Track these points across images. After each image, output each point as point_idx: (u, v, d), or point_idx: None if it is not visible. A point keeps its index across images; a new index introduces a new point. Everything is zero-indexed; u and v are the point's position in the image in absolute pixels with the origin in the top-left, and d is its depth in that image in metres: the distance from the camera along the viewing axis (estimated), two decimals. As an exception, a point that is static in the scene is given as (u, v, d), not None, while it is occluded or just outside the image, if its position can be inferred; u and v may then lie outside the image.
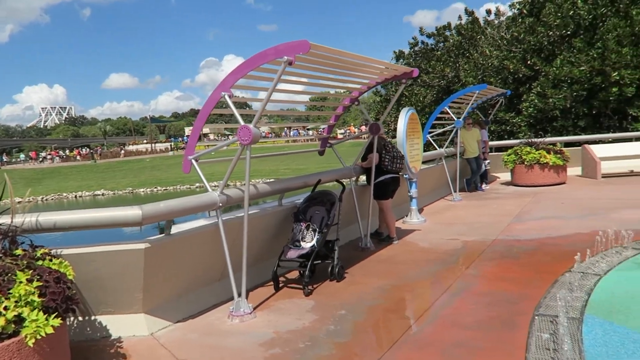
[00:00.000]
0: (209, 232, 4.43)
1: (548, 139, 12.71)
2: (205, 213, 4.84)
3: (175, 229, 4.28)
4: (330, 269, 5.04)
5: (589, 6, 14.86)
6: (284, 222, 5.40)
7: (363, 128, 56.34)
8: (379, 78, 6.21)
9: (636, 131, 13.76)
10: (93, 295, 3.88)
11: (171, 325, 4.07)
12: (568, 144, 13.28)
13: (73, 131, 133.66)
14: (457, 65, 20.16)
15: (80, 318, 3.92)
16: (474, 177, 11.15)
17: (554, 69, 14.73)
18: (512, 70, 16.38)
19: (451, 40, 21.81)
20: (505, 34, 18.87)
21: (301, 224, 5.12)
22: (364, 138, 7.06)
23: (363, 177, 7.03)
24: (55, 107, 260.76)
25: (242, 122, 4.34)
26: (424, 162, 8.60)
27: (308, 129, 64.51)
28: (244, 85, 4.97)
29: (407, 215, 8.01)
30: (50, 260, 3.27)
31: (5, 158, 72.50)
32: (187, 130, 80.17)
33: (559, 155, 11.24)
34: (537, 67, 15.60)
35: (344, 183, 5.80)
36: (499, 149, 14.19)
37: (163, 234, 4.14)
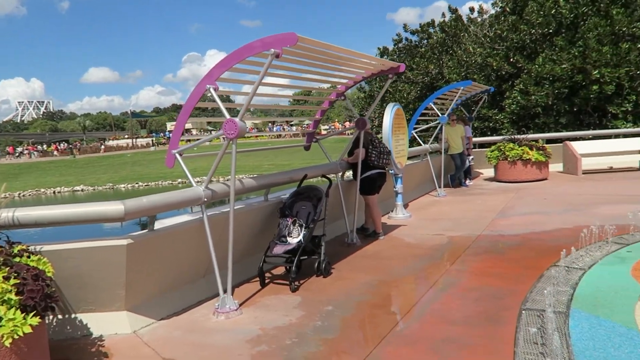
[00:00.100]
0: (193, 228, 4.34)
1: (531, 136, 12.85)
2: (188, 209, 4.76)
3: (158, 225, 4.18)
4: (316, 264, 4.99)
5: (571, 5, 15.04)
6: (269, 218, 5.33)
7: (347, 124, 56.42)
8: (365, 73, 6.17)
9: (615, 128, 14.01)
10: (73, 293, 3.77)
11: (155, 322, 3.98)
12: (550, 141, 13.46)
13: (51, 126, 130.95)
14: (441, 62, 20.25)
15: (60, 316, 3.80)
16: (458, 173, 11.21)
17: (536, 66, 14.88)
18: (495, 68, 16.51)
19: (435, 38, 21.89)
20: (488, 31, 19.01)
21: (287, 219, 5.06)
22: (348, 134, 7.01)
23: (348, 173, 6.99)
24: (32, 102, 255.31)
25: (227, 116, 4.26)
26: (408, 158, 8.60)
27: (292, 125, 64.21)
28: (229, 78, 4.88)
29: (392, 211, 8.01)
30: (28, 257, 3.16)
31: (-20, 153, 70.73)
32: (169, 126, 79.27)
33: (541, 152, 11.37)
34: (520, 65, 15.75)
35: (331, 178, 5.75)
36: (482, 145, 14.31)
37: (145, 230, 4.04)
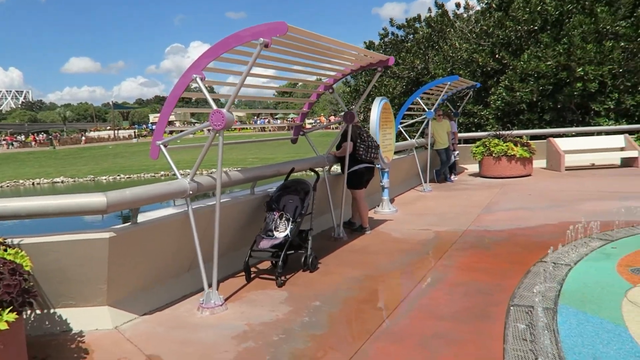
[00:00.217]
0: (178, 221, 4.23)
1: (515, 132, 12.95)
2: (171, 202, 4.65)
3: (142, 218, 4.06)
4: (303, 259, 4.93)
5: (556, 2, 15.15)
6: (256, 211, 5.24)
7: (332, 118, 56.23)
8: (354, 65, 6.09)
9: (598, 126, 14.19)
10: (53, 287, 3.64)
11: (137, 318, 3.87)
12: (533, 137, 13.57)
13: (30, 116, 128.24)
14: (427, 57, 20.28)
15: (38, 311, 3.68)
16: (443, 168, 11.24)
17: (522, 63, 14.99)
18: (480, 64, 16.58)
19: (421, 33, 21.90)
20: (474, 27, 19.08)
21: (274, 213, 4.98)
22: (333, 128, 6.94)
23: (335, 166, 6.93)
24: (10, 91, 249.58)
25: (214, 107, 4.15)
26: (394, 153, 8.57)
27: (276, 118, 63.81)
28: (214, 68, 4.76)
29: (378, 205, 7.98)
30: (5, 250, 3.03)
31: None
32: (152, 117, 78.18)
33: (525, 148, 11.45)
34: (505, 61, 15.84)
35: (319, 172, 5.68)
36: (467, 140, 14.38)
37: (128, 223, 3.93)
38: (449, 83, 10.64)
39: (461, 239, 6.06)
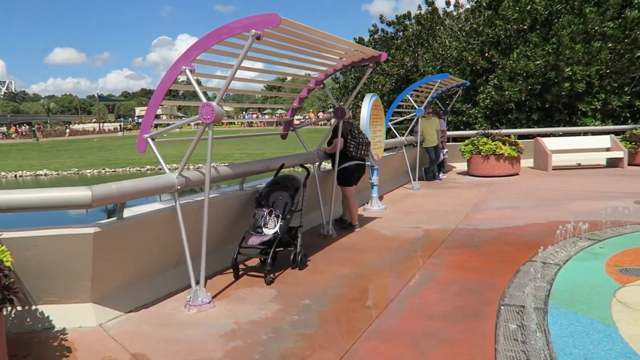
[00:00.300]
0: (165, 217, 4.13)
1: (504, 131, 13.00)
2: (157, 197, 4.54)
3: (127, 213, 3.96)
4: (292, 256, 4.86)
5: (546, 2, 15.23)
6: (245, 208, 5.16)
7: (320, 114, 56.09)
8: (346, 61, 6.02)
9: (585, 126, 14.32)
10: (34, 283, 3.53)
11: (122, 315, 3.78)
12: (521, 136, 13.65)
13: (13, 107, 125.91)
14: (416, 54, 20.29)
15: (19, 308, 3.56)
16: (432, 166, 11.24)
17: (511, 62, 15.04)
18: (470, 62, 16.61)
19: (411, 30, 21.89)
20: (464, 25, 19.11)
21: (263, 209, 4.90)
22: (322, 125, 6.87)
23: (325, 163, 6.86)
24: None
25: (204, 100, 4.06)
26: (384, 150, 8.53)
27: (264, 113, 63.43)
28: (203, 60, 4.64)
29: (367, 203, 7.94)
30: (-16, 244, 2.91)
31: None
32: (138, 111, 77.33)
33: (513, 147, 11.50)
34: (495, 60, 15.89)
35: (309, 168, 5.61)
36: (456, 139, 14.42)
37: (114, 218, 3.82)
38: (439, 81, 10.63)
39: (450, 237, 6.04)
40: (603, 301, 3.83)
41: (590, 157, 12.63)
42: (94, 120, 73.59)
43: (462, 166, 12.73)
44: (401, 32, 22.94)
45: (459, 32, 18.88)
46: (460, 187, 10.10)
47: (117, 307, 3.79)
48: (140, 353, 3.21)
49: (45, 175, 31.43)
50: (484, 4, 17.81)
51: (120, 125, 63.95)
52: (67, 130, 61.31)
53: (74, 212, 10.52)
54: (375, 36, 23.71)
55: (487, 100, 15.65)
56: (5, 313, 3.46)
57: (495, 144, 11.40)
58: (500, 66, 15.62)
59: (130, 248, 3.87)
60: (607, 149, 12.57)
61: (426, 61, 18.89)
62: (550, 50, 14.46)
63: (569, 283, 4.27)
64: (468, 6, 20.40)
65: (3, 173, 31.82)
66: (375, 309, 3.87)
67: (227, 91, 4.83)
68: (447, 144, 12.83)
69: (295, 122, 6.79)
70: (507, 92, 15.04)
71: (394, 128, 11.27)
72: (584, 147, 12.68)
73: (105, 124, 65.79)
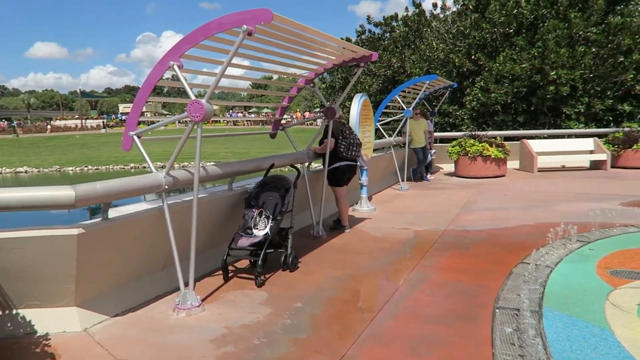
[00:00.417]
0: (152, 217, 4.00)
1: (490, 133, 13.06)
2: (141, 197, 4.40)
3: (113, 213, 3.82)
4: (283, 258, 4.76)
5: (532, 6, 15.37)
6: (234, 208, 5.04)
7: (307, 114, 55.94)
8: (336, 60, 5.95)
9: (569, 129, 14.48)
10: (15, 287, 3.39)
11: (108, 319, 3.64)
12: (507, 138, 13.74)
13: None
14: (403, 56, 20.32)
15: (-1, 312, 3.41)
16: (420, 167, 11.23)
17: (497, 65, 15.14)
18: (457, 64, 16.69)
19: (398, 31, 21.93)
20: (450, 28, 19.21)
21: (253, 210, 4.79)
22: (308, 124, 6.77)
23: (316, 164, 6.78)
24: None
25: (192, 96, 3.94)
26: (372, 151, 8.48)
27: (250, 112, 63.01)
28: (192, 55, 4.51)
29: (357, 203, 7.88)
30: (-38, 246, 2.76)
31: None
32: (122, 108, 76.21)
33: (500, 149, 11.56)
34: (481, 62, 15.98)
35: (299, 168, 5.52)
36: (443, 140, 14.45)
37: (99, 218, 3.68)
38: (427, 82, 10.63)
39: (441, 238, 6.01)
40: (597, 304, 3.82)
41: (574, 159, 12.78)
42: (76, 116, 72.38)
43: (449, 167, 12.76)
44: (388, 34, 22.97)
45: (445, 35, 18.96)
46: (448, 188, 10.11)
47: (103, 310, 3.65)
48: (127, 359, 3.08)
49: (26, 172, 30.76)
50: (470, 7, 17.91)
51: (103, 122, 63.02)
52: (49, 126, 60.21)
53: (56, 211, 10.26)
54: (363, 37, 23.70)
55: (474, 102, 15.73)
56: (-17, 317, 3.31)
57: (482, 146, 11.44)
58: (486, 69, 15.71)
59: (116, 249, 3.74)
60: (591, 152, 12.72)
61: (413, 62, 18.93)
62: (535, 54, 14.59)
63: (561, 285, 4.25)
64: (454, 9, 20.52)
65: (-19, 170, 31.05)
66: (368, 312, 3.80)
67: (219, 88, 4.73)
68: (435, 145, 12.85)
69: (283, 121, 6.68)
70: (493, 95, 15.13)
71: (382, 128, 11.23)
72: (568, 149, 12.82)
73: (87, 121, 64.77)
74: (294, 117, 51.58)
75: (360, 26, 23.53)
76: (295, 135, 6.65)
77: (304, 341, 3.30)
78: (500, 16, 15.67)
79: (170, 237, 3.91)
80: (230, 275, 4.64)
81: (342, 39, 23.39)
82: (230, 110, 63.72)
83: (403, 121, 10.65)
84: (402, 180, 10.17)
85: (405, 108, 10.38)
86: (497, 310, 3.73)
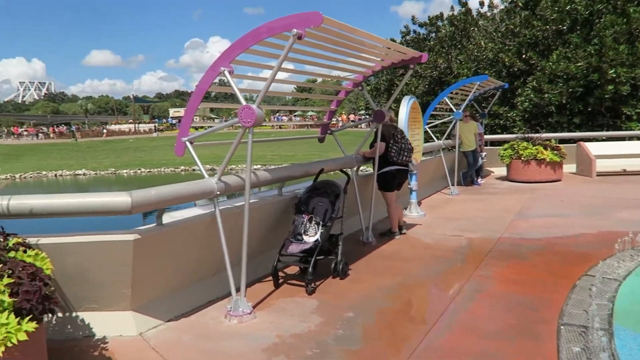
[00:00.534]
0: (204, 222, 4.02)
1: (544, 135, 12.52)
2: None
3: (166, 218, 3.86)
4: (333, 265, 4.68)
5: (586, 1, 14.65)
6: (283, 213, 5.01)
7: (352, 117, 55.73)
8: (384, 62, 5.83)
9: (630, 130, 13.68)
10: (74, 290, 3.47)
11: (162, 324, 3.68)
12: (562, 141, 13.13)
13: (53, 108, 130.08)
14: (450, 56, 19.86)
15: (59, 314, 3.50)
16: (470, 171, 10.90)
17: (550, 64, 14.51)
18: (507, 64, 16.13)
19: (443, 31, 21.46)
20: (499, 26, 18.60)
21: (303, 215, 4.74)
22: (354, 127, 6.61)
23: (365, 167, 6.66)
24: (34, 82, 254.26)
25: (243, 102, 3.93)
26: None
27: (296, 115, 63.42)
28: (241, 61, 4.51)
29: (406, 209, 7.70)
30: (25, 251, 2.85)
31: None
32: (172, 112, 78.70)
33: (555, 152, 11.05)
34: (533, 62, 15.37)
35: (349, 173, 5.42)
36: (493, 143, 13.99)
37: (153, 224, 3.73)
38: (477, 83, 10.30)
39: (496, 247, 5.76)
40: (674, 323, 3.52)
41: (636, 162, 12.02)
42: (130, 121, 75.28)
43: (500, 171, 12.32)
44: (434, 34, 22.51)
45: (494, 33, 18.38)
46: (500, 193, 9.74)
47: (157, 315, 3.69)
48: (180, 365, 3.09)
49: (84, 174, 32.25)
50: (520, 4, 17.27)
51: (155, 126, 65.21)
52: (105, 130, 62.93)
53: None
54: (407, 38, 23.33)
55: (526, 103, 15.13)
56: (46, 319, 3.41)
57: (536, 149, 10.97)
58: (538, 68, 15.09)
59: (170, 254, 3.78)
60: (656, 155, 11.94)
61: (460, 63, 18.45)
62: (592, 52, 13.87)
63: (632, 301, 3.96)
64: (502, 7, 19.87)
65: (44, 172, 32.80)
66: (423, 325, 3.66)
67: (258, 92, 4.70)
68: (485, 147, 12.44)
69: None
70: (546, 95, 14.50)
71: (430, 131, 10.97)
72: (629, 152, 12.09)
73: (140, 125, 67.19)
74: (340, 120, 51.49)
75: (404, 27, 23.18)
76: (341, 139, 6.56)
77: (357, 353, 3.20)
78: (553, 13, 15.02)
79: (222, 242, 3.91)
80: (280, 281, 4.60)
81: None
82: (277, 114, 64.24)
83: (452, 124, 10.36)
84: (452, 185, 9.88)
85: (454, 110, 10.10)
86: (562, 327, 3.50)
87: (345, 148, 6.47)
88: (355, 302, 4.08)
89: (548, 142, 11.50)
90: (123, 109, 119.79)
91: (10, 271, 2.52)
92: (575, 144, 12.52)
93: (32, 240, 3.19)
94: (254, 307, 3.94)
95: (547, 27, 15.27)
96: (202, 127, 5.23)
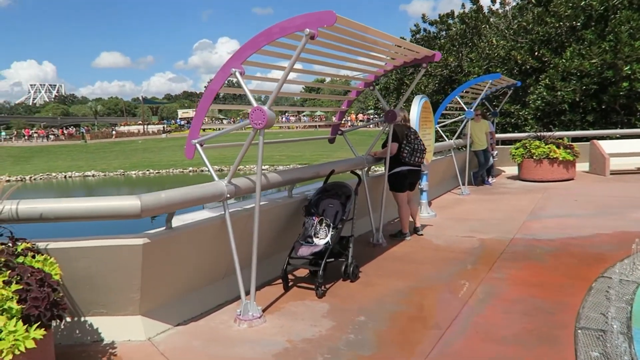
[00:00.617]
0: (214, 226, 3.98)
1: (557, 133, 12.35)
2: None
3: (176, 222, 3.82)
4: (343, 267, 4.62)
5: (601, -3, 14.42)
6: (293, 216, 4.96)
7: (360, 116, 55.57)
8: (397, 61, 5.75)
9: (644, 128, 13.45)
10: (83, 295, 3.44)
11: (171, 329, 3.64)
12: (575, 139, 12.95)
13: (63, 109, 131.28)
14: (460, 54, 19.68)
15: (68, 319, 3.47)
16: (481, 170, 10.77)
17: (564, 61, 14.30)
18: (519, 61, 15.93)
19: (454, 29, 21.27)
20: (511, 23, 18.39)
21: (313, 218, 4.68)
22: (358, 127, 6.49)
23: (377, 167, 6.59)
24: (44, 85, 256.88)
25: (254, 103, 3.88)
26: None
27: (304, 115, 63.38)
28: (252, 62, 4.46)
29: (417, 209, 7.60)
30: (33, 256, 2.82)
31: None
32: (181, 113, 78.98)
33: (568, 151, 10.88)
34: (546, 59, 15.17)
35: (360, 175, 5.35)
36: (504, 142, 13.83)
37: (163, 227, 3.69)
38: (489, 81, 10.17)
39: (509, 248, 5.66)
40: (696, 327, 3.41)
41: None
42: (139, 122, 75.72)
43: (512, 170, 12.17)
44: (444, 32, 22.33)
45: (506, 31, 18.18)
46: (512, 193, 9.61)
47: (166, 320, 3.65)
48: (190, 371, 3.05)
49: (93, 176, 32.45)
50: (532, 1, 17.07)
51: (163, 127, 65.53)
52: (114, 132, 63.39)
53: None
54: (417, 36, 23.15)
55: (538, 101, 14.93)
56: (55, 324, 3.39)
57: (548, 147, 10.82)
58: (551, 65, 14.88)
59: (179, 258, 3.74)
60: (671, 153, 11.72)
61: (471, 61, 18.26)
62: (607, 48, 13.65)
63: (651, 304, 3.85)
64: (514, 4, 19.66)
65: (54, 174, 33.06)
66: (436, 329, 3.58)
67: (266, 93, 4.64)
68: (496, 146, 12.29)
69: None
70: (559, 93, 14.30)
71: (441, 130, 10.86)
72: (644, 150, 11.88)
73: (149, 126, 67.55)
74: (349, 119, 51.23)
75: (414, 25, 22.99)
76: (349, 138, 6.48)
77: (369, 359, 3.14)
78: (567, 9, 14.80)
79: (232, 245, 3.86)
80: (289, 284, 4.55)
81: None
82: (286, 114, 64.14)
83: (464, 123, 10.24)
84: (463, 185, 9.77)
85: (465, 109, 9.98)
86: (579, 331, 3.41)
87: (355, 147, 6.41)
88: (366, 306, 4.02)
89: (561, 140, 11.34)
90: (132, 110, 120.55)
91: (18, 277, 2.50)
92: (588, 142, 12.33)
93: (41, 245, 3.17)
94: (263, 310, 3.89)
95: (561, 23, 15.06)
96: (210, 129, 5.20)
